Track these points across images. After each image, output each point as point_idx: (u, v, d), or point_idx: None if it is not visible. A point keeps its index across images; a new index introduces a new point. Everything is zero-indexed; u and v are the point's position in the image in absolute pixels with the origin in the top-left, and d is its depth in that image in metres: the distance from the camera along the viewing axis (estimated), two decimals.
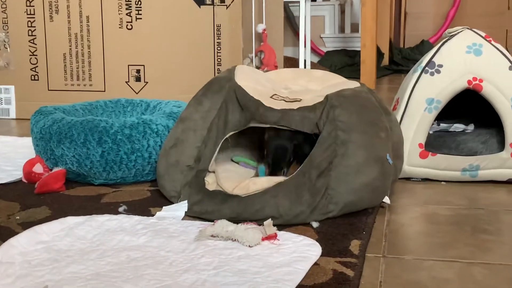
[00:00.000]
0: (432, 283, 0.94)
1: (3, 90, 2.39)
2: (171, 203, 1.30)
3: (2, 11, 2.34)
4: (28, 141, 1.88)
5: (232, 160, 1.41)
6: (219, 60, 2.24)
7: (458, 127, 1.67)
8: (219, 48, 2.24)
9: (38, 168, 1.46)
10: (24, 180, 1.48)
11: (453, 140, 1.57)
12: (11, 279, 0.92)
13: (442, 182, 1.49)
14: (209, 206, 1.21)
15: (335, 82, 1.41)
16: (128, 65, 2.31)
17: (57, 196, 1.37)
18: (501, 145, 1.48)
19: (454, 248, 1.08)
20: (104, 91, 2.33)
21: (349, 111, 1.25)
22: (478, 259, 1.03)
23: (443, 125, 1.69)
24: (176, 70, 2.28)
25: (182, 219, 1.21)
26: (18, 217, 1.22)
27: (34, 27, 2.33)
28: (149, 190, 1.41)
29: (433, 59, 1.50)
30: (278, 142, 1.30)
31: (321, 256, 1.02)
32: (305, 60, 2.72)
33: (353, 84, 1.35)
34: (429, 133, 1.50)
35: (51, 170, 1.45)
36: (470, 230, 1.17)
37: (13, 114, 2.40)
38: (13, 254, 1.01)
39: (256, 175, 1.36)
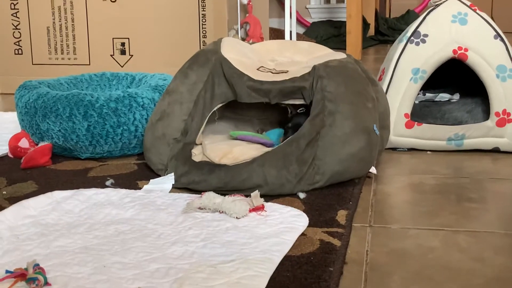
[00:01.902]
0: (418, 251, 0.96)
1: None
2: (158, 176, 1.30)
3: None
4: (13, 116, 1.87)
5: (231, 136, 1.40)
6: (204, 32, 2.23)
7: (444, 96, 1.67)
8: (204, 20, 2.22)
9: (24, 143, 1.45)
10: (10, 155, 1.47)
11: (438, 109, 1.57)
12: None
13: (428, 152, 1.50)
14: (196, 176, 1.22)
15: (321, 54, 1.40)
16: (113, 38, 2.29)
17: (43, 170, 1.36)
18: (486, 114, 1.49)
19: (439, 217, 1.09)
20: (89, 64, 2.31)
21: (336, 81, 1.25)
22: (463, 227, 1.05)
23: (428, 95, 1.70)
24: (161, 42, 2.26)
25: (170, 191, 1.21)
26: (4, 192, 1.22)
27: (17, 0, 2.30)
28: (135, 163, 1.41)
29: (418, 29, 1.50)
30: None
31: (308, 226, 1.03)
32: (290, 31, 2.70)
33: (339, 55, 1.35)
34: (414, 103, 1.51)
35: (37, 144, 1.44)
36: (455, 199, 1.18)
37: None
38: (0, 229, 1.01)
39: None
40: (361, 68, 1.32)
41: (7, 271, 0.85)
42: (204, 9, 2.21)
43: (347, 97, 1.24)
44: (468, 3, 1.52)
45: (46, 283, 0.83)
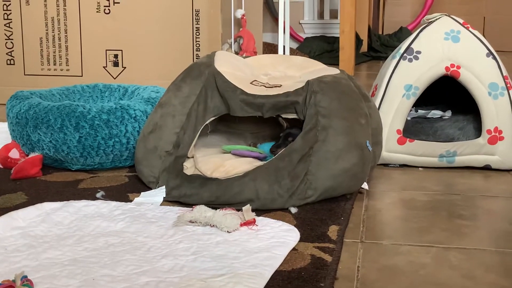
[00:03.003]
0: (409, 267, 0.95)
1: None
2: (149, 188, 1.29)
3: None
4: (3, 126, 1.86)
5: (224, 151, 1.39)
6: (197, 45, 2.23)
7: (436, 113, 1.68)
8: (197, 33, 2.22)
9: (14, 154, 1.44)
10: None
11: (430, 126, 1.58)
12: None
13: (420, 168, 1.50)
14: (188, 190, 1.21)
15: (315, 69, 1.41)
16: (106, 50, 2.28)
17: (33, 181, 1.35)
18: (478, 132, 1.49)
19: (431, 233, 1.09)
20: (81, 76, 2.30)
21: (330, 97, 1.25)
22: (454, 244, 1.05)
23: (421, 112, 1.70)
24: (155, 55, 2.26)
25: (161, 204, 1.21)
26: None
27: (10, 10, 2.29)
28: (127, 175, 1.40)
29: (411, 46, 1.51)
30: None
31: (299, 241, 1.03)
32: (284, 46, 2.71)
33: (333, 70, 1.35)
34: (407, 119, 1.51)
35: (27, 155, 1.43)
36: (446, 216, 1.18)
37: None
38: None
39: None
40: (354, 84, 1.32)
41: None
42: (198, 23, 2.21)
43: (340, 113, 1.24)
44: (461, 21, 1.53)
45: None
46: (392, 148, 1.49)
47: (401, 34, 3.97)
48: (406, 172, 1.47)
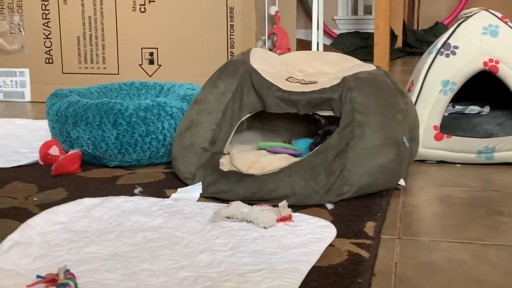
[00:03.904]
0: (447, 264, 0.95)
1: (18, 73, 2.40)
2: (186, 185, 1.30)
3: None
4: (43, 124, 1.90)
5: (259, 147, 1.40)
6: (232, 42, 2.24)
7: (474, 109, 1.66)
8: (232, 31, 2.23)
9: (54, 151, 1.47)
10: (40, 162, 1.49)
11: (468, 122, 1.56)
12: (30, 259, 0.93)
13: (457, 165, 1.48)
14: (224, 186, 1.22)
15: (350, 65, 1.40)
16: (142, 48, 2.31)
17: (73, 178, 1.38)
18: None
19: (469, 230, 1.08)
20: (118, 74, 2.33)
21: (366, 93, 1.24)
22: (493, 240, 1.04)
23: (458, 107, 1.69)
24: (189, 52, 2.28)
25: (197, 200, 1.22)
26: (35, 199, 1.24)
27: (48, 10, 2.34)
28: (163, 172, 1.42)
29: (448, 41, 1.49)
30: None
31: (336, 237, 1.03)
32: (317, 43, 2.70)
33: (368, 66, 1.35)
34: (444, 115, 1.50)
35: (67, 152, 1.46)
36: (485, 212, 1.17)
37: (28, 97, 2.41)
38: (31, 234, 1.02)
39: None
40: (390, 80, 1.31)
41: (38, 276, 0.86)
42: (232, 20, 2.22)
43: (376, 109, 1.23)
44: (500, 15, 1.51)
45: None
46: (429, 144, 1.47)
47: (437, 29, 3.93)
48: (443, 169, 1.46)
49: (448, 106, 1.59)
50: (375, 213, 1.14)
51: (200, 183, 1.26)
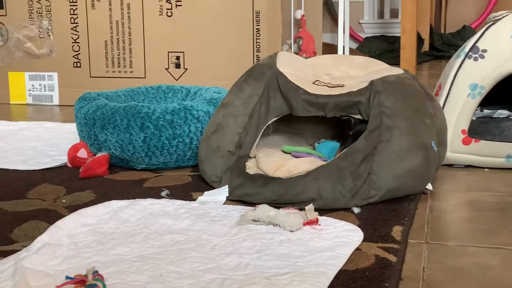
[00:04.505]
0: (476, 269, 0.94)
1: (47, 77, 2.43)
2: (212, 188, 1.31)
3: None
4: (71, 127, 1.92)
5: (283, 151, 1.40)
6: (258, 46, 2.25)
7: (502, 113, 1.64)
8: (258, 35, 2.24)
9: (82, 153, 1.48)
10: (68, 164, 1.51)
11: (496, 126, 1.54)
12: (59, 260, 0.95)
13: (485, 169, 1.47)
14: (251, 189, 1.22)
15: (377, 69, 1.39)
16: (168, 52, 2.33)
17: (101, 180, 1.39)
18: None
19: (498, 235, 1.07)
20: (145, 77, 2.35)
21: (394, 97, 1.24)
22: None
23: (486, 111, 1.67)
24: (215, 56, 2.29)
25: (224, 203, 1.22)
26: (64, 201, 1.25)
27: (76, 14, 2.37)
28: (190, 175, 1.43)
29: (476, 44, 1.48)
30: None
31: (362, 241, 1.02)
32: (343, 47, 2.70)
33: (396, 70, 1.34)
34: (472, 119, 1.48)
35: (95, 155, 1.47)
36: None
37: (56, 101, 2.44)
38: (60, 236, 1.03)
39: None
40: (418, 83, 1.31)
41: (67, 277, 0.87)
42: (259, 24, 2.23)
43: (405, 113, 1.22)
44: None
45: None
46: (457, 149, 1.46)
47: (465, 32, 3.89)
48: (471, 173, 1.44)
49: (476, 110, 1.57)
50: (402, 217, 1.13)
51: (227, 186, 1.27)
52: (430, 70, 3.30)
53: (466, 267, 0.94)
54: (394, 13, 4.27)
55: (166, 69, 2.34)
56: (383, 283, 0.87)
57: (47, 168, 1.50)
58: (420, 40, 3.67)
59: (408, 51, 2.95)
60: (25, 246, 1.00)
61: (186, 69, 2.32)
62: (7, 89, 2.47)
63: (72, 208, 1.19)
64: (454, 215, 1.18)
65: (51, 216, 1.16)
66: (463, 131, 1.46)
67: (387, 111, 1.22)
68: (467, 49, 1.49)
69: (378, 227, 1.08)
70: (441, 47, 3.81)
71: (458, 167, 1.48)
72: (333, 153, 1.33)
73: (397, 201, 1.21)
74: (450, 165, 1.49)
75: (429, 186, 1.27)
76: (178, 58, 2.32)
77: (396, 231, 1.06)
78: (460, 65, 1.48)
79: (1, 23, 2.43)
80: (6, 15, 2.42)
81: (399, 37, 3.02)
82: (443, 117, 1.34)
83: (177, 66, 2.33)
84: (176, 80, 2.33)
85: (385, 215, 1.14)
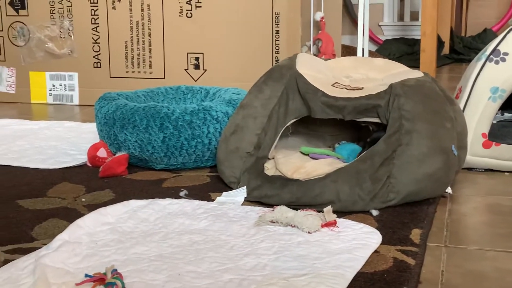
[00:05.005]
0: (495, 273, 0.93)
1: (67, 77, 2.46)
2: (231, 188, 1.31)
3: (66, 0, 2.40)
4: (91, 126, 1.93)
5: (301, 153, 1.40)
6: (277, 48, 2.25)
7: None
8: (277, 36, 2.24)
9: (102, 153, 1.49)
10: (88, 164, 1.52)
11: None
12: (79, 258, 0.95)
13: (506, 173, 1.46)
14: (269, 191, 1.22)
15: (397, 71, 1.39)
16: (187, 53, 2.34)
17: (120, 180, 1.40)
18: None
19: None
20: (164, 78, 2.36)
21: (414, 100, 1.23)
22: None
23: (507, 115, 1.65)
24: (235, 58, 2.29)
25: (242, 204, 1.23)
26: (83, 199, 1.26)
27: (97, 15, 2.38)
28: (208, 175, 1.43)
29: (498, 47, 1.47)
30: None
31: (381, 244, 1.02)
32: (363, 49, 2.69)
33: (416, 73, 1.34)
34: (492, 122, 1.47)
35: (114, 154, 1.48)
36: None
37: (76, 100, 2.46)
38: (80, 234, 1.04)
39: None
40: (438, 87, 1.30)
41: (86, 275, 0.88)
42: (278, 25, 2.23)
43: (424, 116, 1.22)
44: None
45: None
46: (477, 152, 1.45)
47: (485, 35, 3.86)
48: (491, 177, 1.43)
49: (497, 114, 1.56)
50: (421, 220, 1.13)
51: (245, 187, 1.27)
52: (450, 73, 3.28)
53: (485, 271, 0.94)
54: (414, 16, 4.24)
55: (185, 70, 2.35)
56: (401, 286, 0.87)
57: (67, 167, 1.51)
58: (440, 43, 3.65)
59: (428, 54, 2.93)
60: (45, 244, 1.01)
61: (205, 70, 2.33)
62: (28, 89, 2.49)
63: (92, 207, 1.20)
64: (474, 219, 1.17)
65: (71, 215, 1.17)
66: (483, 135, 1.45)
67: (407, 114, 1.22)
68: (488, 52, 1.47)
69: (397, 230, 1.08)
70: (461, 50, 3.78)
71: (478, 171, 1.47)
72: (353, 156, 1.33)
73: (416, 204, 1.20)
74: (470, 169, 1.48)
75: (449, 190, 1.26)
76: (197, 59, 2.33)
77: (415, 234, 1.06)
78: (481, 68, 1.47)
79: (23, 23, 2.45)
80: (28, 15, 2.45)
81: (419, 39, 3.00)
82: (463, 121, 1.33)
83: (196, 67, 2.34)
84: (195, 81, 2.34)
85: (404, 218, 1.14)
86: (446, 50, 3.79)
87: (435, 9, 2.89)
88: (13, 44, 2.47)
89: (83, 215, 1.13)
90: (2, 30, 2.48)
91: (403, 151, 1.19)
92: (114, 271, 0.87)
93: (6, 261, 0.96)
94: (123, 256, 0.97)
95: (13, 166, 1.53)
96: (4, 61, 2.50)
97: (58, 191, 1.32)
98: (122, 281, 0.85)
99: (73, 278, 0.89)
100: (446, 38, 3.77)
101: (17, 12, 2.46)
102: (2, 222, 1.14)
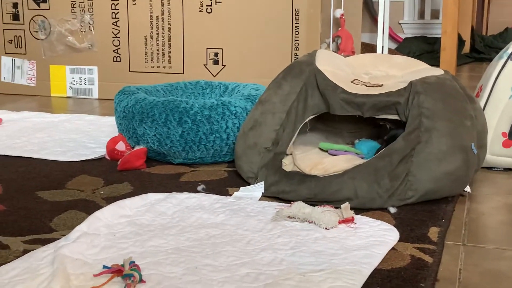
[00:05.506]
0: None
1: (87, 71, 2.47)
2: (248, 183, 1.31)
3: None
4: (110, 120, 1.95)
5: (320, 149, 1.40)
6: (296, 44, 2.24)
7: None
8: (297, 33, 2.24)
9: (120, 146, 1.50)
10: (107, 157, 1.53)
11: None
12: (97, 250, 0.96)
13: None
14: (287, 186, 1.22)
15: (417, 69, 1.38)
16: (207, 48, 2.34)
17: (138, 173, 1.41)
18: None
19: None
20: (183, 73, 2.37)
21: (434, 98, 1.22)
22: None
23: None
24: (254, 53, 2.29)
25: (259, 199, 1.23)
26: (102, 192, 1.27)
27: (118, 10, 2.40)
28: (226, 170, 1.43)
29: None
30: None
31: (398, 241, 1.01)
32: (382, 47, 2.67)
33: (436, 71, 1.33)
34: None
35: (133, 148, 1.49)
36: None
37: (95, 94, 2.48)
38: (98, 226, 1.05)
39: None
40: (459, 85, 1.29)
41: (104, 266, 0.89)
42: (298, 22, 2.23)
43: (444, 114, 1.21)
44: None
45: (141, 280, 0.85)
46: (497, 151, 1.44)
47: (507, 35, 3.82)
48: (511, 176, 1.42)
49: None
50: (440, 218, 1.12)
51: (262, 182, 1.27)
52: (471, 72, 3.26)
53: (504, 271, 0.93)
54: (435, 14, 4.21)
55: (204, 65, 2.35)
56: (418, 283, 0.87)
57: (86, 160, 1.52)
58: (461, 42, 3.62)
59: (448, 52, 2.91)
60: (64, 235, 1.02)
61: (224, 65, 2.33)
62: (48, 82, 2.51)
63: (110, 200, 1.21)
64: (492, 218, 1.16)
65: (89, 207, 1.18)
66: (503, 134, 1.44)
67: (427, 112, 1.21)
68: (509, 51, 1.46)
69: (415, 228, 1.07)
70: (482, 49, 3.75)
71: (497, 170, 1.46)
72: (373, 152, 1.32)
73: (434, 202, 1.20)
74: (489, 168, 1.47)
75: (468, 188, 1.25)
76: (216, 54, 2.33)
77: (433, 232, 1.05)
78: (502, 67, 1.45)
79: (44, 17, 2.47)
80: (49, 9, 2.47)
81: (439, 38, 2.98)
82: (483, 119, 1.32)
83: (215, 62, 2.34)
84: (214, 76, 2.34)
85: (422, 215, 1.13)
86: (466, 49, 3.76)
87: (456, 7, 2.86)
88: (34, 37, 2.49)
89: (101, 207, 1.14)
90: (23, 24, 2.51)
91: (422, 148, 1.19)
92: (132, 263, 0.88)
93: (26, 251, 0.97)
94: (140, 249, 0.97)
95: (33, 158, 1.54)
96: (25, 54, 2.52)
97: (77, 183, 1.33)
98: (139, 273, 0.86)
99: (91, 269, 0.89)
100: (467, 37, 3.74)
101: (39, 6, 2.47)
102: (22, 213, 1.15)
